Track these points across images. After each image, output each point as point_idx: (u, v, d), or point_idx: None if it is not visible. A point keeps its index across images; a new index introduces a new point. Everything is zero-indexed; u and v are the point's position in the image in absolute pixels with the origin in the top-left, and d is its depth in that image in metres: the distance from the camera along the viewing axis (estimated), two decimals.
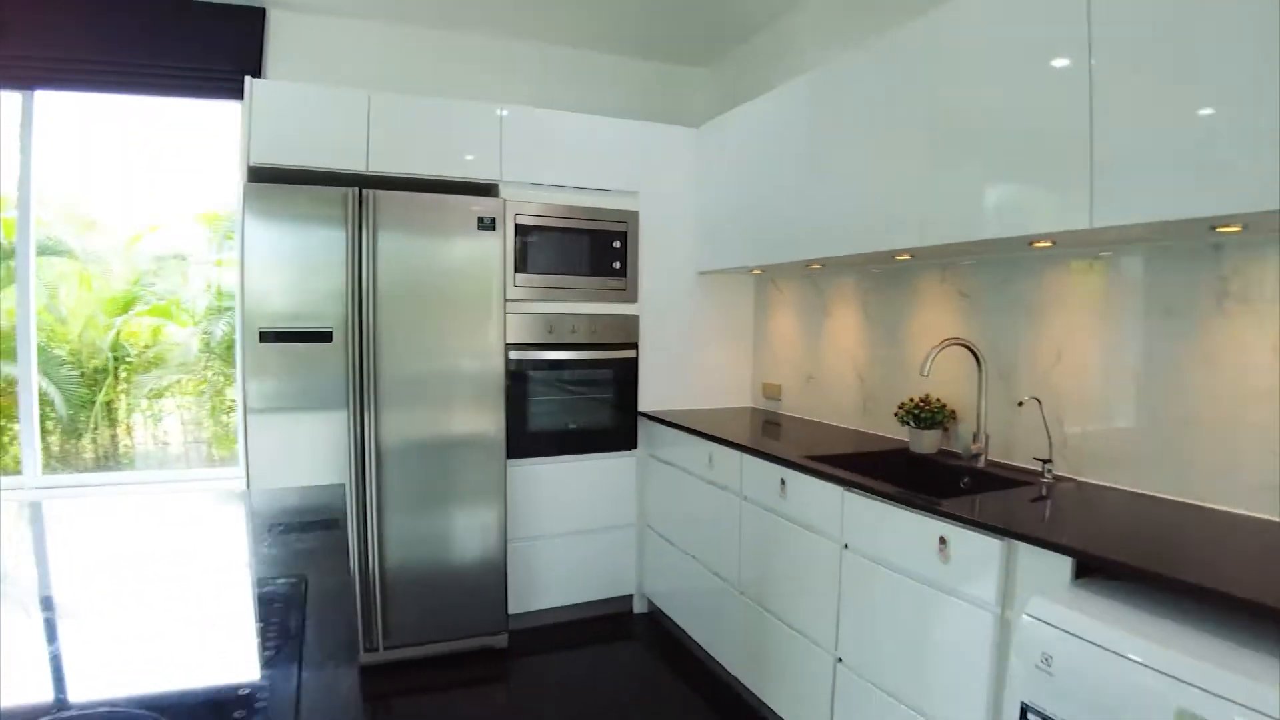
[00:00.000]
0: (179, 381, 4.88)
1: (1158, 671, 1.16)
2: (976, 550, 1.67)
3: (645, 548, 3.43)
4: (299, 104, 2.79)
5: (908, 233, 2.24)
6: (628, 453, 3.40)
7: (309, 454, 2.73)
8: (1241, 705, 1.06)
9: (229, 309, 4.56)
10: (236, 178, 3.40)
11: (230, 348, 4.53)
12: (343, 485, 2.58)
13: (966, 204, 2.03)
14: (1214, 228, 1.60)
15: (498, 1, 3.29)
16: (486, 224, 2.92)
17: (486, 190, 3.10)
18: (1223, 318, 1.74)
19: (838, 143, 2.56)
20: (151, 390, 4.73)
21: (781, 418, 3.35)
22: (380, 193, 2.76)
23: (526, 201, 3.12)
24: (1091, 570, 1.47)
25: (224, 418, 4.87)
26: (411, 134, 2.96)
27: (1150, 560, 1.37)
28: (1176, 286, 1.83)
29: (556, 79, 3.74)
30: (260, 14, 3.17)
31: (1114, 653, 1.23)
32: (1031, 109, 1.82)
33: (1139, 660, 1.19)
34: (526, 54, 3.71)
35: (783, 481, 2.39)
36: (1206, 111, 1.45)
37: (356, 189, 2.74)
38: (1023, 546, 1.58)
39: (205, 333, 4.60)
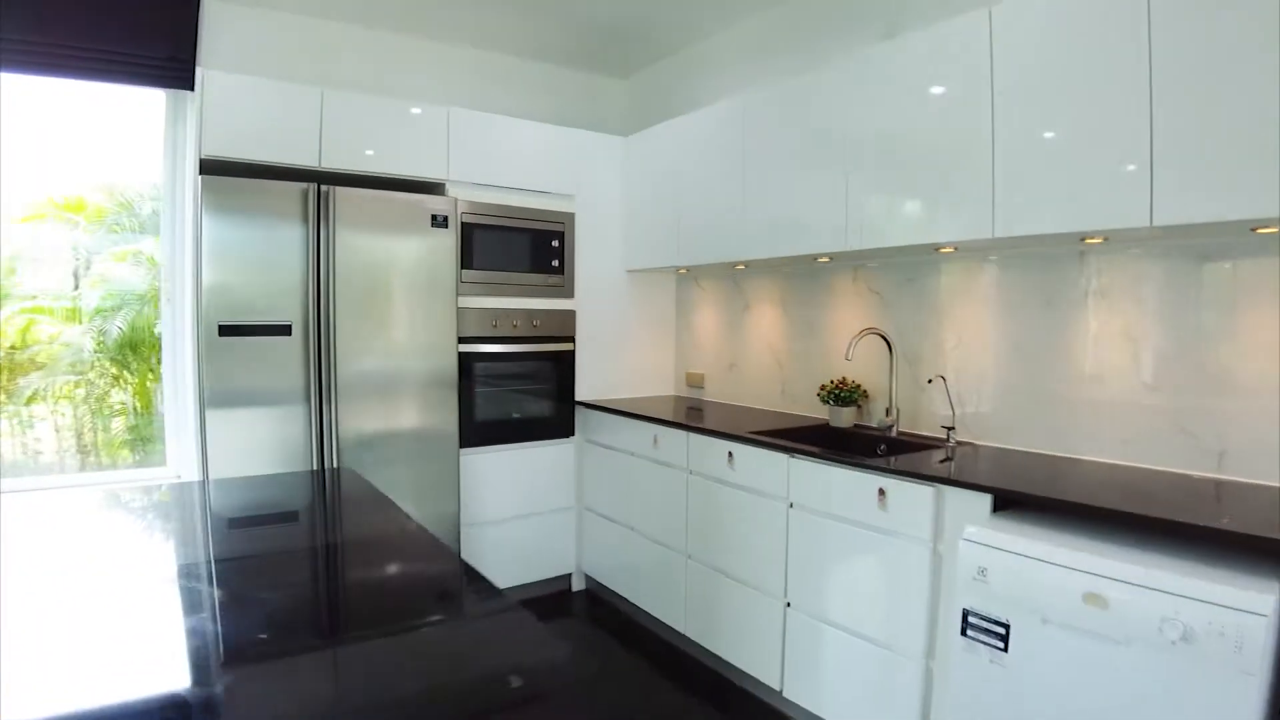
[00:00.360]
0: (51, 385, 4.56)
1: (1070, 568, 1.56)
2: (912, 497, 2.06)
3: (584, 528, 3.66)
4: (252, 97, 2.80)
5: (835, 238, 2.62)
6: (566, 440, 3.61)
7: (266, 448, 2.75)
8: (1125, 583, 1.47)
9: (120, 307, 4.32)
10: (161, 168, 3.32)
11: (123, 348, 4.32)
12: (309, 472, 2.64)
13: (891, 216, 2.44)
14: (1083, 239, 2.06)
15: (430, 4, 3.41)
16: (440, 221, 3.05)
17: (433, 189, 3.22)
18: (1087, 309, 2.22)
19: (770, 159, 2.91)
20: (31, 395, 4.39)
21: (706, 403, 3.68)
22: (339, 189, 2.83)
23: (472, 200, 3.26)
24: (1005, 505, 1.88)
25: (110, 423, 4.59)
26: (363, 131, 3.03)
27: (1050, 492, 1.80)
28: (1052, 284, 2.31)
29: (486, 82, 3.88)
30: (195, 2, 3.11)
31: (1035, 559, 1.63)
32: (945, 140, 2.24)
33: (1055, 562, 1.59)
34: (457, 57, 3.82)
35: (730, 454, 2.71)
36: (1075, 153, 1.90)
37: (315, 185, 2.79)
38: (950, 490, 1.97)
39: (101, 331, 4.33)
